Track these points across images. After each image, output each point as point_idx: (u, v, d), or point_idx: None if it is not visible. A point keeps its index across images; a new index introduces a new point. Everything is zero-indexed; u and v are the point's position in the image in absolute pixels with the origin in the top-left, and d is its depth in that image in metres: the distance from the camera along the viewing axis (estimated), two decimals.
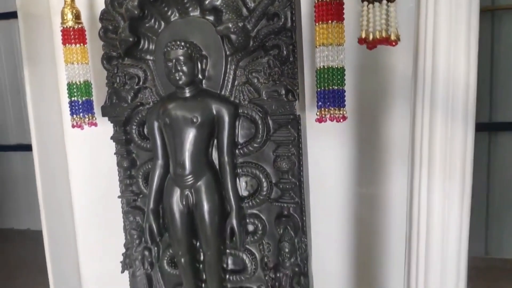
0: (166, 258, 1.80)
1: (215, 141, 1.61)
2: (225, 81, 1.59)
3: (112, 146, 1.80)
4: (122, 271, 1.84)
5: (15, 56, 4.59)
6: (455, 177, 1.23)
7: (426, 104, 1.22)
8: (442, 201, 1.26)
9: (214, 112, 1.55)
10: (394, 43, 1.00)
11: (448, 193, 1.25)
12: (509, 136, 3.13)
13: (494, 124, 3.11)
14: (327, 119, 1.50)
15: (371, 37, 1.00)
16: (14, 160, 4.81)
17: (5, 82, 4.70)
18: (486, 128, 3.18)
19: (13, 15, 4.39)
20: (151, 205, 1.67)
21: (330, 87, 1.46)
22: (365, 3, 0.99)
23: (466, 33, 1.16)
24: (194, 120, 1.53)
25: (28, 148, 4.52)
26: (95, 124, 1.82)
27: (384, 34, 0.98)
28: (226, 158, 1.58)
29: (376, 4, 0.96)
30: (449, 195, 1.25)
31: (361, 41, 1.04)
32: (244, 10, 1.50)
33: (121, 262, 1.84)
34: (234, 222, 1.59)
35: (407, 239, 1.40)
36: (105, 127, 1.81)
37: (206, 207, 1.59)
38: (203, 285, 1.75)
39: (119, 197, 1.81)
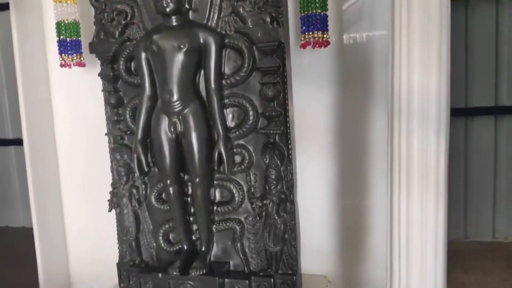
0: (154, 193, 1.82)
1: (202, 72, 1.65)
2: (211, 13, 1.64)
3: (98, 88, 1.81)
4: (110, 210, 1.85)
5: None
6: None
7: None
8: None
9: (201, 40, 1.59)
10: None
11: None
12: (484, 120, 3.25)
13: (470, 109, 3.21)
14: (312, 43, 1.56)
15: None
16: None
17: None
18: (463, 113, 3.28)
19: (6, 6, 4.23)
20: (139, 136, 1.69)
21: (314, 11, 1.53)
22: None
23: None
24: (182, 46, 1.57)
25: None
26: (83, 65, 1.84)
27: None
28: (213, 86, 1.61)
29: None
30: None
31: None
32: None
33: (108, 200, 1.85)
34: (222, 147, 1.62)
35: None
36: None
37: (194, 134, 1.62)
38: (191, 218, 1.77)
39: (106, 134, 1.83)
